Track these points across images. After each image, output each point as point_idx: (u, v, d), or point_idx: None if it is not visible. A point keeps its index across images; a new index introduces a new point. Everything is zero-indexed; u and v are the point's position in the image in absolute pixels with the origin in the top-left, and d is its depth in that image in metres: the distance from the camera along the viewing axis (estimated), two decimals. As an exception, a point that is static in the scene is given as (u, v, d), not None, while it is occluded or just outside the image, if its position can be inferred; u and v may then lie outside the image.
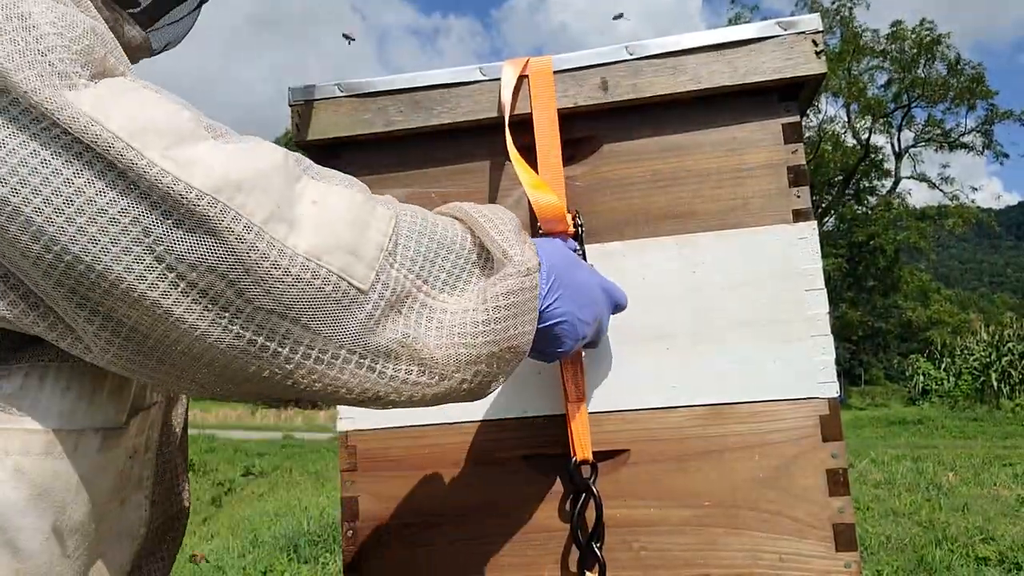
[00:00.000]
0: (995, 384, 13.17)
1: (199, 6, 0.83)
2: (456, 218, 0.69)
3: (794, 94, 0.92)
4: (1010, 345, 14.14)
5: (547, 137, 0.92)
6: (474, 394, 0.67)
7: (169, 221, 0.50)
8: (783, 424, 0.87)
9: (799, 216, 0.90)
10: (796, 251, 0.90)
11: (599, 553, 0.85)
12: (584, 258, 0.89)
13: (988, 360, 14.04)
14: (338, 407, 0.96)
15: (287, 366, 0.55)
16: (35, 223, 0.49)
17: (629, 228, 0.93)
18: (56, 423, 0.58)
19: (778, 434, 0.87)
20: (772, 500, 0.86)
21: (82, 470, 0.59)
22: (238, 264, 0.52)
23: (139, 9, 0.74)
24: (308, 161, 0.62)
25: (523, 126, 0.93)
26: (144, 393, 0.66)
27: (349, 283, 0.56)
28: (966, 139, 25.77)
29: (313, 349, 0.56)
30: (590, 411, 0.90)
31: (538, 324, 0.67)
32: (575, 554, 0.88)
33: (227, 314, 0.53)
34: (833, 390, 0.87)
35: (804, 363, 0.88)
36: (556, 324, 0.70)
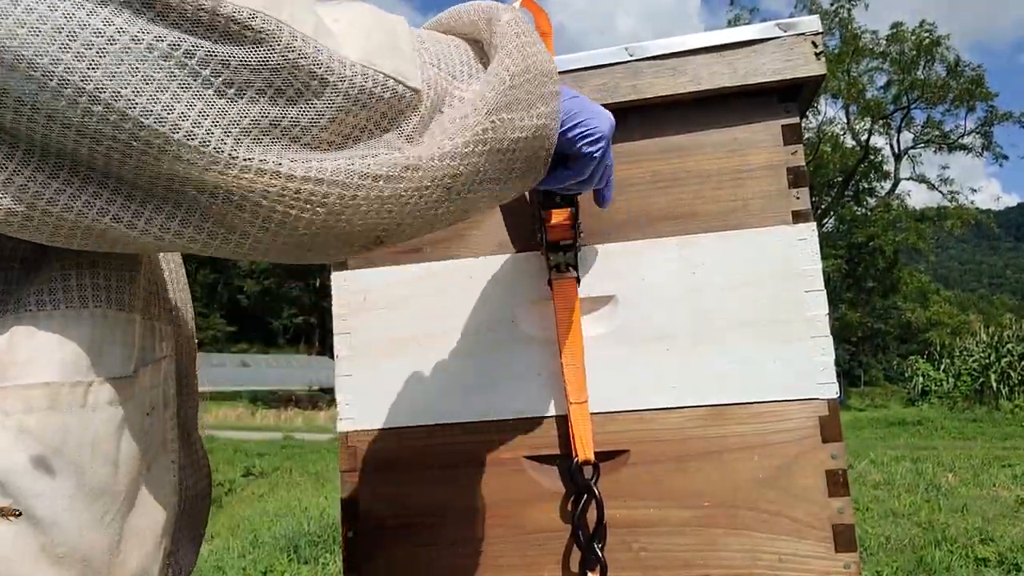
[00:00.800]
0: (994, 385, 13.17)
1: None
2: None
3: (794, 95, 0.93)
4: (1009, 346, 14.13)
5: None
6: (537, 137, 0.62)
7: (219, 42, 0.46)
8: (783, 425, 0.87)
9: (799, 217, 0.91)
10: (796, 252, 0.90)
11: (600, 554, 0.85)
12: None
13: (987, 361, 14.03)
14: (339, 408, 0.96)
15: (355, 185, 0.52)
16: (65, 64, 0.43)
17: (629, 229, 0.94)
18: (57, 374, 0.52)
19: (778, 435, 0.87)
20: (772, 500, 0.86)
21: (96, 425, 0.54)
22: (306, 76, 0.48)
23: None
24: None
25: None
26: (152, 344, 0.62)
27: (403, 84, 0.54)
28: (965, 141, 25.81)
29: (377, 155, 0.52)
30: (592, 412, 0.90)
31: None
32: (576, 555, 0.89)
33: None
34: (833, 391, 0.87)
35: (804, 364, 0.88)
36: (573, 121, 0.68)
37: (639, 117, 0.94)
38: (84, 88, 0.43)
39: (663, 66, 0.92)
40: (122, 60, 0.44)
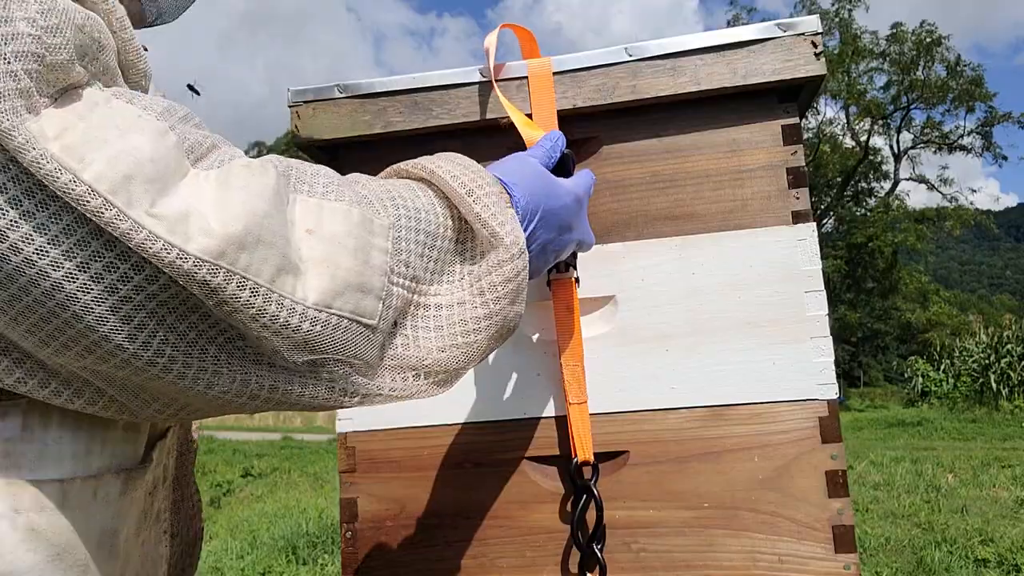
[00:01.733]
0: (994, 386, 13.17)
1: None
2: (423, 180, 0.65)
3: (793, 95, 0.92)
4: (1009, 347, 14.13)
5: None
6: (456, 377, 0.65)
7: (162, 279, 0.45)
8: (782, 426, 0.87)
9: (798, 217, 0.90)
10: (795, 252, 0.90)
11: (600, 555, 0.85)
12: (574, 164, 0.87)
13: (987, 362, 14.04)
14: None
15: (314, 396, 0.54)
16: (18, 283, 0.43)
17: (629, 229, 0.93)
18: (70, 470, 0.51)
19: (777, 436, 0.87)
20: (771, 501, 0.86)
21: (104, 520, 0.53)
22: (249, 322, 0.48)
23: None
24: (293, 164, 0.57)
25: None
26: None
27: (360, 323, 0.53)
28: (965, 141, 25.81)
29: (336, 384, 0.54)
30: (591, 412, 0.90)
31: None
32: (575, 556, 0.88)
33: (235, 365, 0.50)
34: (832, 392, 0.87)
35: (803, 365, 0.88)
36: (536, 254, 0.69)
37: (638, 117, 0.94)
38: (25, 303, 0.44)
39: (662, 66, 0.91)
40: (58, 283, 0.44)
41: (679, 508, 0.88)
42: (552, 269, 0.90)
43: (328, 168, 0.60)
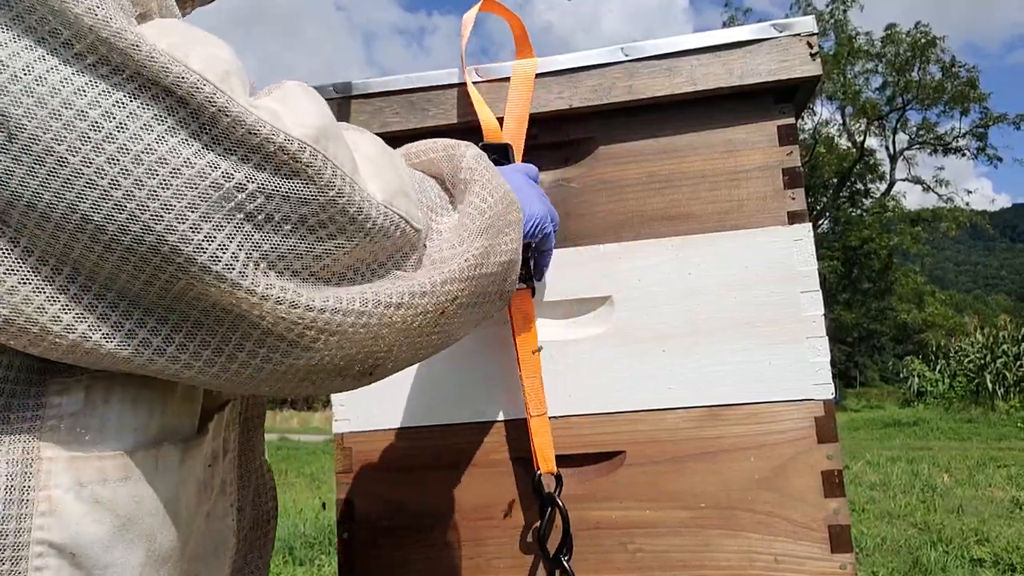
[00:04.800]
0: (990, 386, 13.19)
1: None
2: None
3: (789, 96, 0.93)
4: (1005, 347, 14.15)
5: (514, 141, 0.92)
6: (509, 265, 0.67)
7: (268, 168, 0.46)
8: (779, 426, 0.87)
9: (794, 218, 0.90)
10: (791, 253, 0.90)
11: (567, 566, 0.84)
12: (512, 157, 0.91)
13: (983, 362, 14.06)
14: (334, 409, 0.96)
15: (355, 320, 0.52)
16: (107, 174, 0.42)
17: (625, 230, 0.93)
18: (131, 442, 0.51)
19: (774, 436, 0.87)
20: (768, 501, 0.86)
21: (166, 490, 0.53)
22: (338, 214, 0.50)
23: None
24: None
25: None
26: (217, 392, 0.61)
27: (411, 225, 0.56)
28: (960, 143, 25.87)
29: (382, 294, 0.54)
30: (587, 412, 0.90)
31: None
32: (574, 555, 0.88)
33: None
34: (828, 392, 0.87)
35: (799, 365, 0.88)
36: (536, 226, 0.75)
37: (634, 118, 0.94)
38: (111, 194, 0.43)
39: (659, 66, 0.91)
40: (153, 171, 0.43)
41: (676, 508, 0.88)
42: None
43: None
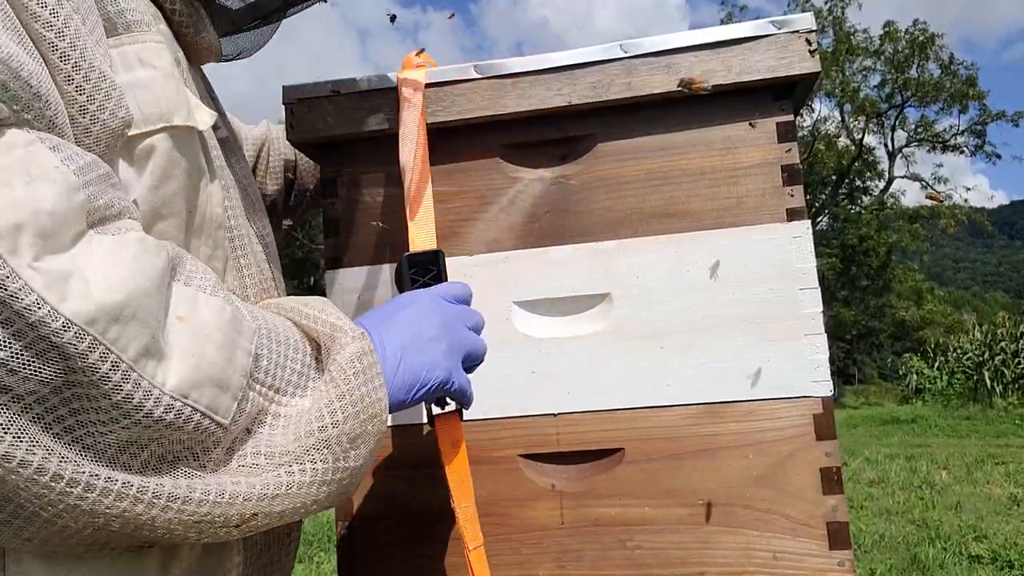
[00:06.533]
0: (988, 383, 13.20)
1: (280, 19, 0.78)
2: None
3: (788, 93, 0.92)
4: (1003, 344, 14.17)
5: (412, 154, 0.91)
6: (344, 487, 0.61)
7: (20, 345, 0.43)
8: (777, 423, 0.87)
9: (793, 215, 0.90)
10: (790, 250, 0.90)
11: None
12: (444, 276, 0.85)
13: (981, 359, 14.07)
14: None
15: (126, 506, 0.49)
16: None
17: (623, 227, 0.93)
18: None
19: (772, 433, 0.87)
20: (766, 498, 0.86)
21: None
22: (101, 398, 0.47)
23: (230, 9, 0.69)
24: (184, 255, 0.57)
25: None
26: None
27: (212, 420, 0.52)
28: (959, 140, 25.86)
29: (163, 490, 0.50)
30: (586, 409, 0.90)
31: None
32: (571, 553, 0.88)
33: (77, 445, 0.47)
34: (827, 389, 0.87)
35: (798, 362, 0.88)
36: (397, 367, 0.67)
37: (633, 114, 0.94)
38: None
39: (657, 63, 0.91)
40: None
41: (674, 505, 0.88)
42: (434, 405, 0.83)
43: (210, 269, 0.60)
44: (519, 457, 0.92)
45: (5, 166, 0.45)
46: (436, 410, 0.82)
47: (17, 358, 0.43)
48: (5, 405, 0.44)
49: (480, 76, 0.94)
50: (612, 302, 0.92)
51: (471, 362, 0.77)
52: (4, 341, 0.43)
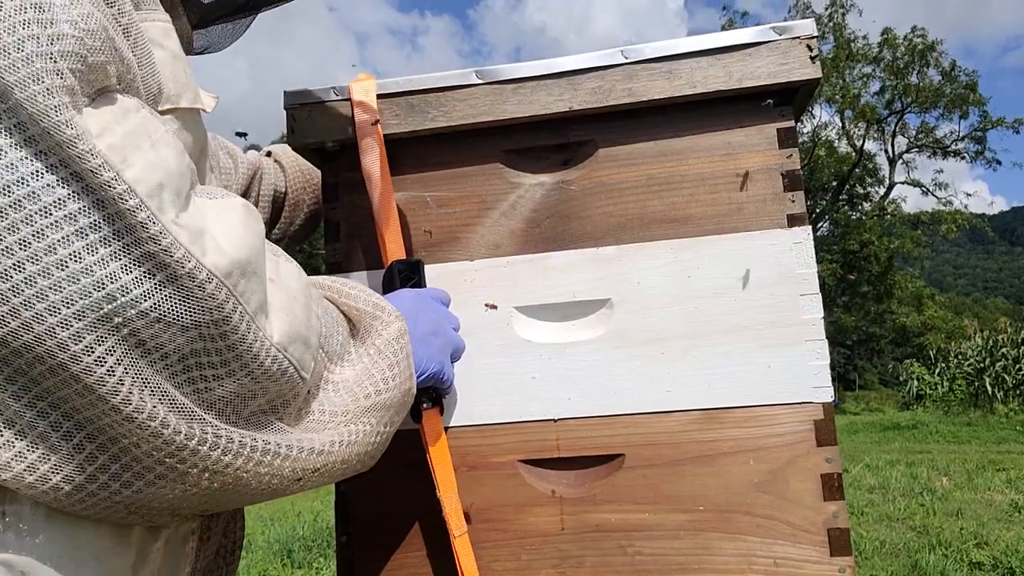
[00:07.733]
0: (989, 389, 13.20)
1: (254, 15, 0.80)
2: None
3: (789, 99, 0.93)
4: (1004, 350, 14.16)
5: (375, 164, 0.92)
6: (378, 452, 0.68)
7: (169, 293, 0.46)
8: (778, 429, 0.87)
9: (794, 221, 0.90)
10: (791, 256, 0.90)
11: None
12: (423, 283, 0.91)
13: (982, 365, 14.07)
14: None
15: (219, 456, 0.51)
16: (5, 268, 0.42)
17: (624, 232, 0.93)
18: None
19: (773, 439, 0.87)
20: (766, 505, 0.86)
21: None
22: (226, 349, 0.50)
23: (202, 3, 0.70)
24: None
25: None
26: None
27: (298, 373, 0.56)
28: (959, 146, 25.87)
29: (259, 444, 0.54)
30: (586, 415, 0.90)
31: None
32: (572, 559, 0.88)
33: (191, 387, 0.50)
34: (828, 395, 0.87)
35: (799, 368, 0.88)
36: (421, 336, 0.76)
37: (634, 120, 0.94)
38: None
39: (658, 69, 0.92)
40: (48, 272, 0.43)
41: (674, 511, 0.88)
42: (423, 403, 0.86)
43: None
44: (519, 463, 0.92)
45: (131, 130, 0.47)
46: (425, 405, 0.86)
47: (165, 305, 0.46)
48: (144, 355, 0.46)
49: (481, 81, 0.94)
50: (612, 307, 0.92)
51: (455, 359, 0.85)
52: (153, 290, 0.45)
